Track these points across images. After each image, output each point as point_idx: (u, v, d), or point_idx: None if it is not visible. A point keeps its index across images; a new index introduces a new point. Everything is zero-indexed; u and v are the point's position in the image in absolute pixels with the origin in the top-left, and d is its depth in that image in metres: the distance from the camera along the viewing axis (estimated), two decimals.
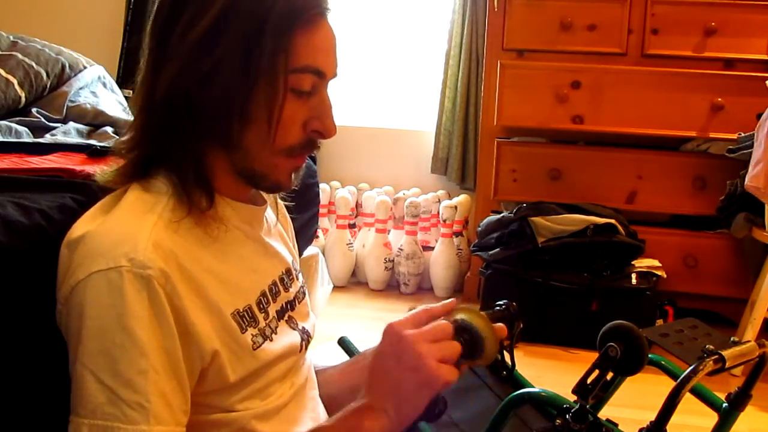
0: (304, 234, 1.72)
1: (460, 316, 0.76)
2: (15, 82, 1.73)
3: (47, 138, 1.53)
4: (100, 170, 0.83)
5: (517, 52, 2.72)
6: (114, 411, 0.68)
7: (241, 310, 0.80)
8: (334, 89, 0.83)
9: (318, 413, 0.93)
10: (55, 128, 1.64)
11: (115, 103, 1.96)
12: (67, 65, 1.92)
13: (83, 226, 0.76)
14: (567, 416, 0.72)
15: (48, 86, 1.84)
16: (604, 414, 0.83)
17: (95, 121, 1.77)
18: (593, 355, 0.74)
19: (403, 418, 0.73)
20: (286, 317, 0.90)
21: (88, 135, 1.68)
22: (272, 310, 0.86)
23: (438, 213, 3.04)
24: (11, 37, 1.90)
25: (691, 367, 0.75)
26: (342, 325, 2.50)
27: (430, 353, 0.72)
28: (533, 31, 2.69)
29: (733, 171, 2.41)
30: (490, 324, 0.76)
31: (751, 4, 2.54)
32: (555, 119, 2.64)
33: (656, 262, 2.50)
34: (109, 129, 1.71)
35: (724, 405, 0.89)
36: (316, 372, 1.01)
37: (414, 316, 0.78)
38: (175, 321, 0.71)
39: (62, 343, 0.75)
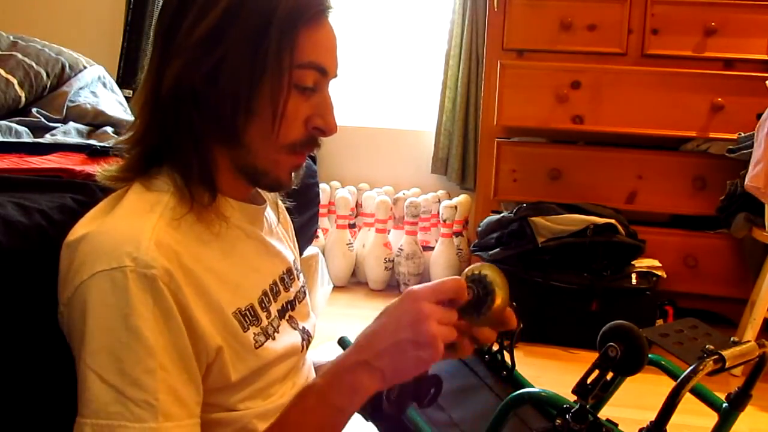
0: (304, 234, 1.72)
1: (476, 269, 0.76)
2: (15, 82, 1.73)
3: (47, 138, 1.53)
4: (101, 169, 0.83)
5: (517, 52, 2.72)
6: (120, 410, 0.67)
7: (243, 309, 0.80)
8: (334, 89, 0.83)
9: None
10: (55, 128, 1.64)
11: (115, 103, 1.96)
12: (67, 65, 1.92)
13: (84, 226, 0.75)
14: (567, 416, 0.72)
15: (48, 86, 1.84)
16: (604, 414, 0.84)
17: (95, 121, 1.77)
18: (593, 355, 0.73)
19: (395, 375, 0.73)
20: (286, 317, 0.90)
21: (88, 135, 1.68)
22: (273, 309, 0.86)
23: (438, 213, 3.04)
24: (11, 37, 1.89)
25: (691, 367, 0.75)
26: (342, 325, 2.49)
27: (434, 314, 0.71)
28: (533, 31, 2.69)
29: (733, 171, 2.41)
30: (504, 278, 0.75)
31: (751, 4, 2.54)
32: (555, 119, 2.64)
33: (656, 262, 2.50)
34: (109, 129, 1.71)
35: (724, 405, 0.89)
36: (316, 367, 1.01)
37: (439, 284, 0.75)
38: (182, 317, 0.71)
39: (63, 345, 0.74)
